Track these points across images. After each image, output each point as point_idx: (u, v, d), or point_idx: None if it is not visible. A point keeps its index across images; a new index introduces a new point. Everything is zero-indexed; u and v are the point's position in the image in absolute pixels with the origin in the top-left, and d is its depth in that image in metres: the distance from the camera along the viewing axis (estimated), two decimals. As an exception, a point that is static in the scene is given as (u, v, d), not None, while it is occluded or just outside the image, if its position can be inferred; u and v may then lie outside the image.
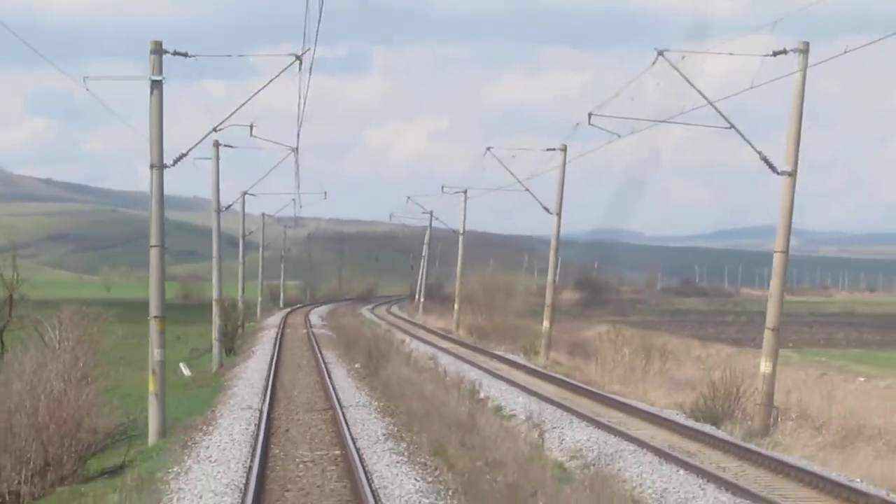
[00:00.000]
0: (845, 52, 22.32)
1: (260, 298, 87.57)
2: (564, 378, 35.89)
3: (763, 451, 21.22)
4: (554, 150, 46.70)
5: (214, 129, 29.34)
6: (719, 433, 23.70)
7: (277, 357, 41.93)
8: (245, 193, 66.30)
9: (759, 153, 26.81)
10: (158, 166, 26.45)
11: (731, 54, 25.79)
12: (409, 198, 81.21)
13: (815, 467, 19.25)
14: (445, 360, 40.54)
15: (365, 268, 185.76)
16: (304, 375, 36.03)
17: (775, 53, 25.50)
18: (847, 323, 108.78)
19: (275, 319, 75.51)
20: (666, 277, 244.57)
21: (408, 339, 53.40)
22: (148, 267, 28.59)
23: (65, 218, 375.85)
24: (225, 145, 46.77)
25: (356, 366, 38.75)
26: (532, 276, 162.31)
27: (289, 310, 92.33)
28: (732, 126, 27.23)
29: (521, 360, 43.74)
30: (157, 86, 25.96)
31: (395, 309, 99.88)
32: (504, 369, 39.23)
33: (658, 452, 20.49)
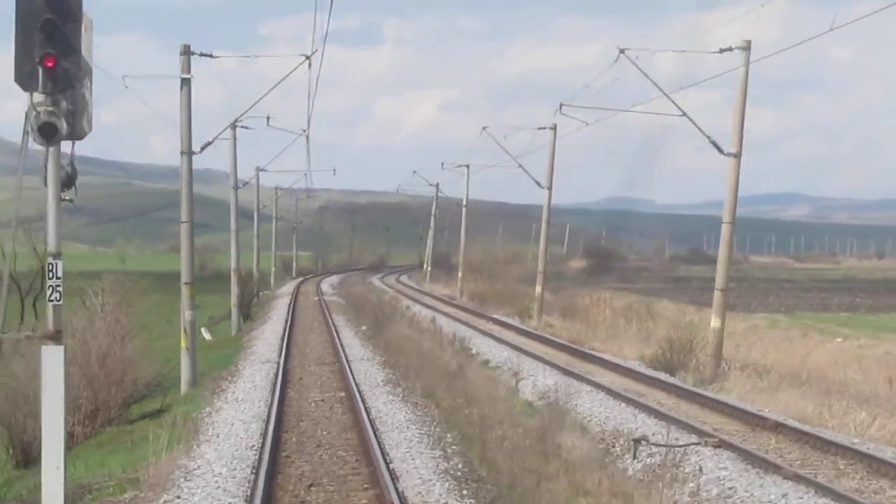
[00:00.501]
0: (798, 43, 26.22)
1: (273, 269, 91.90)
2: (550, 337, 40.14)
3: (699, 391, 25.44)
4: (544, 128, 50.74)
5: (234, 123, 33.53)
6: (671, 380, 27.89)
7: (291, 321, 46.20)
8: (259, 170, 70.51)
9: (708, 137, 30.80)
10: (188, 152, 30.65)
11: (683, 51, 29.74)
12: (414, 172, 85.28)
13: (737, 402, 23.44)
14: (444, 323, 44.77)
15: (376, 238, 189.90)
16: (316, 336, 40.32)
17: (721, 51, 29.48)
18: (846, 289, 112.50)
19: (288, 288, 79.85)
20: (676, 245, 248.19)
21: (413, 304, 57.70)
22: (161, 239, 33.12)
23: (78, 190, 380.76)
24: (242, 127, 50.87)
25: (363, 328, 43.01)
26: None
27: (301, 279, 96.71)
28: (684, 114, 31.18)
29: (515, 322, 47.99)
30: (185, 83, 30.24)
31: (403, 278, 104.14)
32: (497, 330, 43.49)
33: (611, 393, 24.72)
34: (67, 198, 13.01)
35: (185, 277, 30.82)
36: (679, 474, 15.93)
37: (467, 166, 70.85)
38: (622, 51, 31.47)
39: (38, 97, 11.65)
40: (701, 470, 16.27)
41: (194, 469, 16.93)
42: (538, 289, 50.72)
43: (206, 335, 51.43)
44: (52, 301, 12.33)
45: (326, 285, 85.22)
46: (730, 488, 15.22)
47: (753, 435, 19.69)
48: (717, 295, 31.10)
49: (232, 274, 50.53)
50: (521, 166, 52.89)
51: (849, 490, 14.99)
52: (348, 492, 15.25)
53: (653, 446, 17.57)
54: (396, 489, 14.76)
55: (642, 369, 29.86)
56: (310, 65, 30.26)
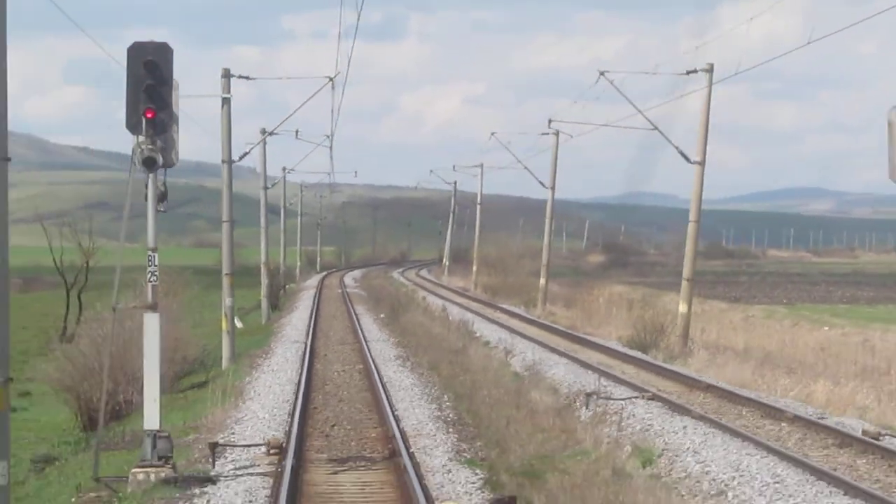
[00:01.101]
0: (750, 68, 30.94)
1: (299, 263, 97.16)
2: (549, 324, 45.23)
3: (662, 364, 30.46)
4: (547, 133, 55.43)
5: (265, 134, 38.85)
6: (643, 357, 32.90)
7: (316, 310, 51.39)
8: (286, 170, 75.76)
9: (677, 148, 35.79)
10: (228, 161, 35.76)
11: (654, 74, 34.66)
12: (431, 171, 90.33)
13: (689, 372, 28.45)
14: (455, 311, 49.88)
15: (398, 233, 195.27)
16: (338, 323, 45.50)
17: (688, 73, 34.38)
18: (853, 282, 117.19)
19: (313, 281, 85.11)
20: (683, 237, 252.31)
21: (428, 295, 62.87)
22: (184, 234, 38.51)
23: (103, 186, 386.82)
24: (271, 133, 55.98)
25: (381, 315, 48.18)
26: (561, 238, 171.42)
27: (325, 273, 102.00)
28: (656, 128, 36.13)
29: (520, 311, 53.08)
30: (226, 102, 35.29)
31: (423, 272, 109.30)
32: (503, 318, 48.60)
33: (585, 364, 29.77)
34: (161, 209, 17.94)
35: (226, 269, 35.87)
36: (615, 418, 20.97)
37: (481, 166, 75.86)
38: (602, 73, 36.39)
39: (142, 138, 16.70)
40: (633, 415, 21.32)
41: (242, 417, 22.06)
42: (542, 280, 55.76)
43: (238, 323, 56.64)
44: (150, 282, 17.42)
45: (349, 279, 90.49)
46: (648, 424, 20.25)
47: (687, 393, 24.73)
48: (683, 284, 36.06)
49: (262, 267, 55.65)
50: (526, 168, 57.81)
51: (739, 426, 20.01)
52: (362, 430, 20.33)
53: (601, 399, 22.62)
54: (399, 427, 19.84)
55: (620, 348, 34.92)
56: (332, 86, 35.07)
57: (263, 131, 55.67)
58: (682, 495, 16.03)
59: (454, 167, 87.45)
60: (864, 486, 15.37)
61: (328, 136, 52.57)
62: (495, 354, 33.37)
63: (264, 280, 55.38)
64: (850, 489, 15.09)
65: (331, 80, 35.35)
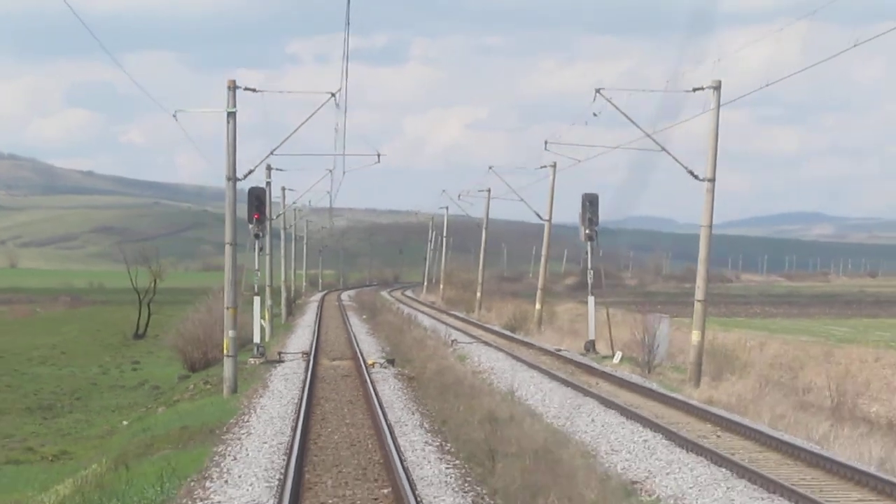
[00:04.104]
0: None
1: (305, 283, 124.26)
2: (470, 318, 72.13)
3: (516, 336, 57.25)
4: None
5: (270, 154, 64.97)
6: (509, 333, 59.57)
7: (320, 314, 78.21)
8: (293, 204, 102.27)
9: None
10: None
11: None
12: (443, 190, 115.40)
13: (531, 341, 55.17)
14: (415, 314, 76.63)
15: (394, 257, 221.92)
16: (335, 320, 72.43)
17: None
18: (784, 302, 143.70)
19: (316, 297, 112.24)
20: (678, 262, 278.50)
21: (402, 306, 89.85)
22: (191, 257, 60.74)
23: (109, 211, 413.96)
24: (276, 169, 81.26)
25: (364, 316, 75.13)
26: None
27: (326, 292, 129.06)
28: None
29: (462, 315, 79.95)
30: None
31: (408, 292, 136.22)
32: (445, 318, 75.35)
33: (468, 333, 56.63)
34: (259, 247, 44.78)
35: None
36: (459, 348, 47.80)
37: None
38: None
39: (251, 225, 43.44)
40: (465, 347, 48.24)
41: (287, 350, 48.80)
42: (478, 294, 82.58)
43: (265, 324, 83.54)
44: (256, 281, 44.34)
45: (345, 296, 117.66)
46: (477, 354, 46.95)
47: (527, 351, 51.42)
48: (539, 294, 62.71)
49: (282, 285, 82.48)
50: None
51: (505, 348, 46.90)
52: (343, 352, 47.14)
53: (458, 343, 49.51)
54: (359, 347, 46.63)
55: (498, 329, 61.79)
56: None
57: (268, 167, 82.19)
58: (473, 370, 42.56)
59: (459, 196, 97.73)
60: (547, 368, 41.86)
61: (330, 171, 74.29)
62: (426, 332, 60.21)
63: (283, 293, 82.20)
64: (552, 376, 41.13)
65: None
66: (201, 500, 18.96)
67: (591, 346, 48.86)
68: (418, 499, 17.80)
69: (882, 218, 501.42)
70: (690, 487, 19.72)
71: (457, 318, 76.25)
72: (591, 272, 51.51)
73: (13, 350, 75.73)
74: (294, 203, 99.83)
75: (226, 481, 20.30)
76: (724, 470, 20.93)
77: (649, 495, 19.85)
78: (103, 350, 79.49)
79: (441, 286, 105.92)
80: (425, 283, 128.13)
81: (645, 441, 24.38)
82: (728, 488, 19.40)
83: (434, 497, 18.51)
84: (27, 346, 79.33)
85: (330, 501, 18.34)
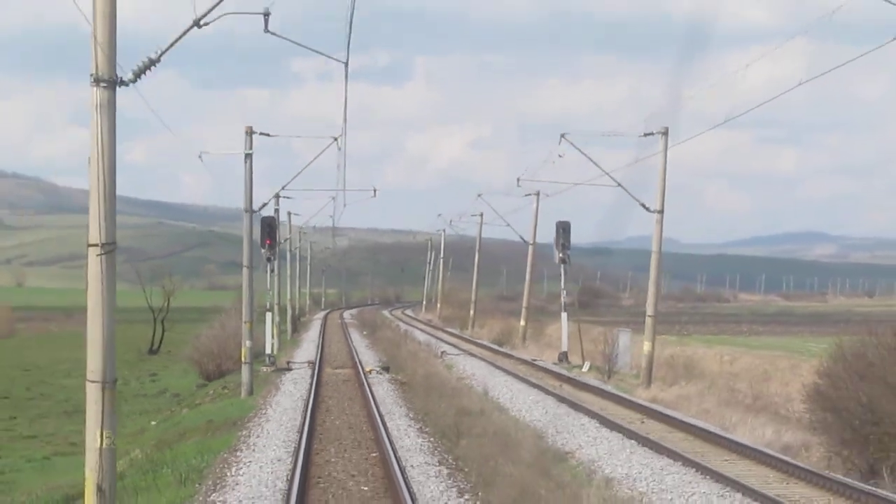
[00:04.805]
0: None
1: (309, 301, 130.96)
2: (463, 335, 78.76)
3: (503, 349, 63.86)
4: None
5: (281, 189, 71.75)
6: (491, 345, 66.14)
7: (323, 330, 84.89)
8: (300, 229, 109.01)
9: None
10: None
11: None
12: (415, 235, 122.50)
13: (517, 354, 61.75)
14: (411, 331, 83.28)
15: (396, 276, 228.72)
16: (337, 335, 79.10)
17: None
18: (774, 321, 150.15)
19: (319, 315, 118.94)
20: (677, 282, 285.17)
21: (400, 323, 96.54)
22: (196, 277, 66.66)
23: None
24: (284, 197, 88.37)
25: (364, 332, 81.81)
26: (543, 281, 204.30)
27: (329, 310, 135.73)
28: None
29: (456, 331, 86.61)
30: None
31: (408, 311, 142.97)
32: (440, 334, 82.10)
33: (458, 346, 63.24)
34: (271, 269, 51.50)
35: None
36: (448, 359, 54.42)
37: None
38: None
39: (264, 251, 50.14)
40: (453, 358, 54.84)
41: (295, 358, 55.46)
42: (471, 312, 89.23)
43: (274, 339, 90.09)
44: (269, 302, 51.07)
45: (347, 314, 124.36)
46: (462, 363, 53.58)
47: (508, 361, 58.00)
48: (523, 311, 69.33)
49: (288, 304, 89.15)
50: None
51: (489, 358, 53.48)
52: (344, 361, 53.79)
53: (447, 354, 56.12)
54: (358, 358, 53.29)
55: (488, 343, 68.42)
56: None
57: (277, 196, 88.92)
58: (458, 377, 49.13)
59: (450, 222, 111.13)
60: (522, 375, 48.44)
61: (333, 198, 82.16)
62: (421, 345, 66.86)
63: (289, 311, 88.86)
64: (523, 380, 47.74)
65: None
66: (236, 463, 25.54)
67: (564, 357, 55.50)
68: (398, 458, 24.43)
69: (884, 237, 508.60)
70: (605, 454, 26.34)
71: (451, 334, 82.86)
72: (564, 291, 57.87)
73: (39, 364, 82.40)
74: (301, 228, 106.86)
75: (253, 450, 26.95)
76: (632, 442, 27.64)
77: (574, 459, 26.44)
78: (121, 364, 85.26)
79: (438, 305, 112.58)
80: (424, 302, 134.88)
81: (582, 425, 31.04)
82: (630, 453, 26.08)
83: (409, 458, 25.16)
84: (51, 360, 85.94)
85: (333, 460, 24.99)
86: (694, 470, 23.55)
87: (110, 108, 16.29)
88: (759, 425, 32.41)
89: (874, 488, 21.36)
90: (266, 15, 18.51)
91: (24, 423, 52.61)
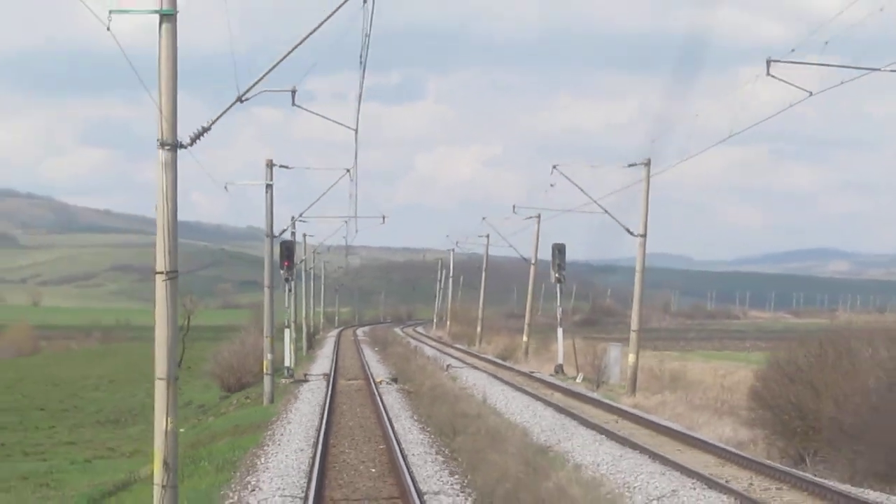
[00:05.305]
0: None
1: (323, 320, 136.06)
2: (470, 350, 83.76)
3: (505, 363, 68.83)
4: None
5: (298, 216, 77.00)
6: (495, 359, 71.09)
7: (337, 347, 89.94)
8: (314, 251, 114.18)
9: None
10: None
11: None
12: (447, 235, 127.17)
13: (519, 367, 66.73)
14: (422, 347, 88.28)
15: (406, 295, 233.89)
16: (350, 352, 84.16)
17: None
18: (777, 337, 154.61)
19: (333, 333, 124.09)
20: (688, 298, 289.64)
21: (411, 340, 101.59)
22: (210, 296, 71.77)
23: (126, 249, 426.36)
24: (300, 220, 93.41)
25: (376, 348, 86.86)
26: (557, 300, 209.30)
27: (342, 328, 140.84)
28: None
29: (464, 347, 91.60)
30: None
31: (419, 328, 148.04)
32: (448, 349, 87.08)
33: (463, 360, 68.18)
34: (289, 290, 56.55)
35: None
36: (453, 371, 59.42)
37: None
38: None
39: (283, 272, 55.22)
40: (458, 370, 59.85)
41: (312, 371, 60.51)
42: (478, 329, 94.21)
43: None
44: (287, 320, 56.16)
45: (360, 332, 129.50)
46: (466, 375, 58.55)
47: (508, 373, 62.94)
48: (525, 328, 74.29)
49: (303, 322, 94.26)
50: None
51: (490, 370, 58.46)
52: (356, 374, 58.81)
53: (451, 368, 61.13)
54: (370, 371, 58.32)
55: (492, 358, 73.36)
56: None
57: (293, 219, 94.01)
58: (460, 387, 54.09)
59: (457, 243, 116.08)
60: (518, 385, 53.39)
61: (346, 221, 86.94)
62: (429, 360, 71.86)
63: (304, 329, 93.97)
64: (519, 389, 52.63)
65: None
66: (264, 455, 30.53)
67: (559, 369, 60.47)
68: (402, 448, 29.42)
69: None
70: (578, 447, 31.30)
71: (458, 349, 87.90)
72: (560, 309, 62.77)
73: (67, 380, 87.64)
74: (315, 248, 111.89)
75: (278, 445, 31.97)
76: (603, 437, 32.63)
77: (552, 452, 31.39)
78: (144, 379, 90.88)
79: (448, 322, 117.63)
80: (435, 320, 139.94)
81: (564, 425, 36.01)
82: (599, 446, 31.06)
83: (411, 449, 30.17)
84: (77, 376, 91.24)
85: (346, 450, 30.02)
86: (647, 457, 28.46)
87: (173, 166, 20.24)
88: (721, 426, 37.37)
89: (791, 469, 26.31)
90: (293, 92, 23.51)
91: (64, 430, 57.67)
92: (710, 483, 24.19)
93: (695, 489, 23.82)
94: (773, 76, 24.73)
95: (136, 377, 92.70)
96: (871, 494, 23.06)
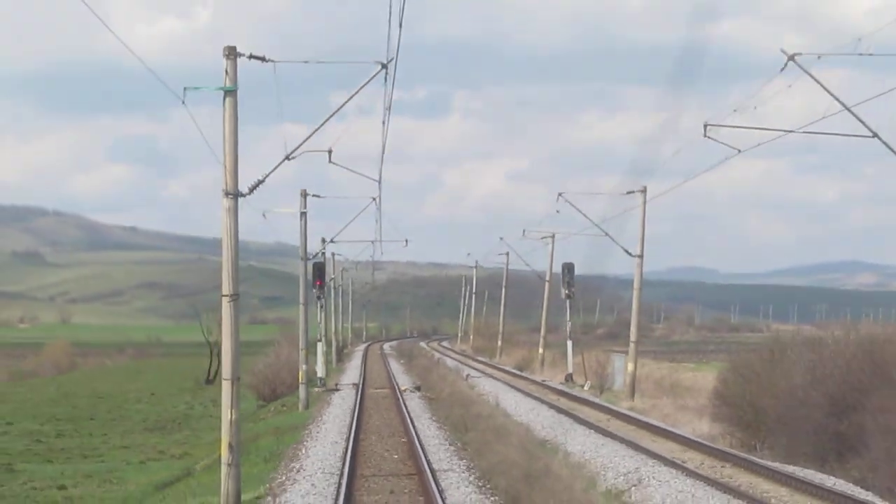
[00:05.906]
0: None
1: (351, 335, 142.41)
2: (491, 362, 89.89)
3: (514, 370, 74.86)
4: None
5: (329, 241, 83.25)
6: (513, 370, 77.14)
7: (365, 360, 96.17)
8: (342, 268, 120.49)
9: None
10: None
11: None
12: (468, 254, 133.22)
13: (531, 376, 72.72)
14: (445, 359, 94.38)
15: (432, 310, 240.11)
16: (378, 364, 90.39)
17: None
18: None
19: (361, 347, 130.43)
20: (712, 312, 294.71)
21: (435, 353, 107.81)
22: (242, 312, 77.68)
23: (153, 266, 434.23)
24: (331, 242, 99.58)
25: (402, 361, 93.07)
26: (579, 313, 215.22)
27: (369, 343, 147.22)
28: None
29: (485, 359, 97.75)
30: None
31: (444, 342, 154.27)
32: (470, 362, 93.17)
33: (481, 370, 74.21)
34: (321, 305, 62.79)
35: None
36: (471, 380, 65.53)
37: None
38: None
39: (315, 290, 61.42)
40: (476, 379, 65.97)
41: (342, 380, 66.70)
42: (499, 342, 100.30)
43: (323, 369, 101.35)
44: (319, 335, 62.40)
45: (387, 346, 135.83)
46: (483, 384, 64.57)
47: (522, 382, 68.96)
48: (541, 340, 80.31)
49: (333, 336, 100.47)
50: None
51: (508, 380, 64.49)
52: (382, 382, 64.96)
53: (470, 377, 67.25)
54: (396, 381, 64.44)
55: (510, 369, 79.41)
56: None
57: (323, 240, 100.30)
58: (478, 394, 60.08)
59: (476, 262, 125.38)
60: (529, 391, 59.36)
61: (372, 242, 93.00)
62: (450, 370, 77.90)
63: (333, 343, 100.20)
64: (529, 395, 58.45)
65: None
66: (304, 448, 36.66)
67: (569, 378, 66.50)
68: (421, 442, 35.55)
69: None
70: (571, 439, 37.39)
71: (480, 362, 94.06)
72: (569, 323, 68.69)
73: (109, 393, 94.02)
74: (343, 266, 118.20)
75: (315, 440, 38.15)
76: (592, 431, 38.71)
77: (549, 444, 37.44)
78: (182, 392, 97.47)
79: (471, 336, 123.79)
80: (459, 334, 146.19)
81: (561, 422, 42.09)
82: (586, 437, 37.15)
83: (428, 441, 36.31)
84: (118, 390, 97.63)
85: (374, 443, 36.21)
86: (625, 446, 34.56)
87: (235, 212, 26.07)
88: (700, 423, 43.40)
89: (739, 452, 32.35)
90: (329, 152, 29.73)
91: (115, 436, 63.88)
92: (668, 462, 30.26)
93: (654, 467, 29.91)
94: (709, 137, 30.78)
95: (174, 391, 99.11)
96: (790, 468, 29.12)
